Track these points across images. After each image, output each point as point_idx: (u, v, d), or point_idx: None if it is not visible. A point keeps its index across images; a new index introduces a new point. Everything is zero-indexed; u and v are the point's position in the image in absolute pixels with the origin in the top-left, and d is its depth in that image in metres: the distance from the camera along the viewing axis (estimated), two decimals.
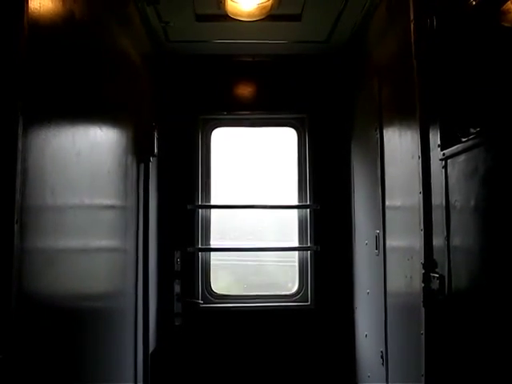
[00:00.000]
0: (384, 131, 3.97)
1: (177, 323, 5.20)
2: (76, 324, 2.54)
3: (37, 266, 1.99)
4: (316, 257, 5.41)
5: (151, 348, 4.51)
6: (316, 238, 5.43)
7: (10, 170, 1.74)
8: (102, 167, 3.04)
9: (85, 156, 2.61)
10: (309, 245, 5.45)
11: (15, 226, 1.73)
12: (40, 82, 2.00)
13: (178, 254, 5.25)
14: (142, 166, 4.25)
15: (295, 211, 5.60)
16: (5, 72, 1.74)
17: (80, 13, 2.49)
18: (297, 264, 5.53)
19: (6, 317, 1.69)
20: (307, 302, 5.41)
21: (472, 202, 2.39)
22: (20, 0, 1.79)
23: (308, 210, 5.49)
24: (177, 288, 5.21)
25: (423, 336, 2.91)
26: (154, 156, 4.43)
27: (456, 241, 2.58)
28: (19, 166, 1.76)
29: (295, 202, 5.57)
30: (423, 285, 2.89)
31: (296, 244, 5.55)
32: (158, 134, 4.50)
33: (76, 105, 2.50)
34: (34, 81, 1.92)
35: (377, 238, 4.14)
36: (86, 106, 2.67)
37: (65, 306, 2.37)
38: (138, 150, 4.07)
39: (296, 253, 5.57)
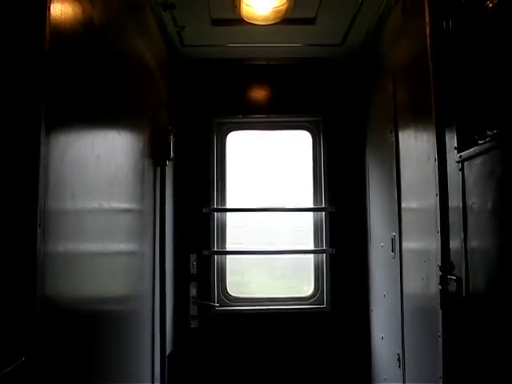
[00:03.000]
0: (399, 133, 3.97)
1: (193, 326, 5.23)
2: (96, 326, 2.57)
3: (58, 270, 2.02)
4: (331, 259, 5.42)
5: (168, 350, 4.54)
6: (331, 241, 5.43)
7: (33, 175, 1.76)
8: (120, 171, 3.07)
9: (103, 160, 2.64)
10: (324, 247, 5.45)
11: (38, 229, 1.76)
12: (61, 87, 2.04)
13: (193, 257, 5.28)
14: (159, 169, 4.29)
15: (310, 214, 5.61)
16: (28, 77, 1.77)
17: (99, 19, 2.52)
18: (312, 267, 5.54)
19: (30, 319, 1.72)
20: (323, 304, 5.41)
21: (489, 205, 2.38)
22: (42, 7, 1.82)
23: (323, 212, 5.50)
24: (193, 291, 5.24)
25: (441, 338, 2.90)
26: (170, 160, 4.46)
27: (473, 243, 2.58)
28: (42, 171, 1.79)
29: (310, 205, 5.58)
30: (440, 287, 2.89)
31: (311, 247, 5.56)
32: (173, 138, 4.53)
33: (95, 109, 2.53)
34: (55, 86, 1.95)
35: (393, 240, 4.14)
36: (104, 111, 2.70)
37: (85, 309, 2.40)
38: (155, 153, 4.11)
39: (312, 255, 5.57)
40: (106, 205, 2.73)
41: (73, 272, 2.22)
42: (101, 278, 2.66)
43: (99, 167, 2.57)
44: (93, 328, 2.52)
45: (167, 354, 4.47)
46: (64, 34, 2.04)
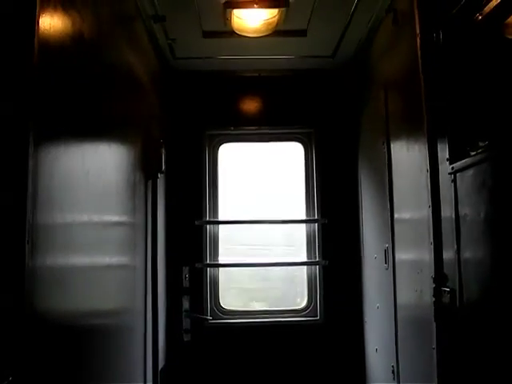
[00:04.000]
0: (391, 144, 3.98)
1: (186, 339, 5.18)
2: (86, 342, 2.53)
3: (47, 285, 1.99)
4: (324, 271, 5.39)
5: (161, 364, 4.49)
6: (324, 253, 5.41)
7: (21, 190, 1.74)
8: (111, 184, 3.05)
9: (94, 174, 2.62)
10: (317, 259, 5.43)
11: (26, 246, 1.74)
12: (50, 101, 2.01)
13: (186, 270, 5.24)
14: (150, 182, 4.26)
15: (303, 226, 5.59)
16: (16, 91, 1.75)
17: (89, 32, 2.51)
18: (305, 279, 5.51)
19: (17, 337, 1.69)
20: (316, 316, 5.39)
21: (482, 216, 2.38)
22: (30, 21, 1.80)
23: (316, 224, 5.48)
24: (185, 304, 5.20)
25: (435, 350, 2.89)
26: (161, 172, 4.44)
27: (466, 254, 2.57)
28: (30, 186, 1.77)
29: (303, 217, 5.57)
30: (434, 299, 2.88)
31: (304, 259, 5.54)
32: (165, 151, 4.51)
33: (85, 123, 2.51)
34: (44, 100, 1.93)
35: (386, 251, 4.13)
36: (94, 124, 2.68)
37: (75, 324, 2.37)
38: (146, 166, 4.09)
39: (304, 268, 5.55)
40: (96, 218, 2.70)
41: (62, 287, 2.19)
42: (91, 292, 2.62)
43: (89, 180, 2.55)
44: (83, 343, 2.49)
45: (160, 368, 4.42)
46: (53, 48, 2.03)
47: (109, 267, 3.05)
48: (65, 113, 2.21)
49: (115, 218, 3.19)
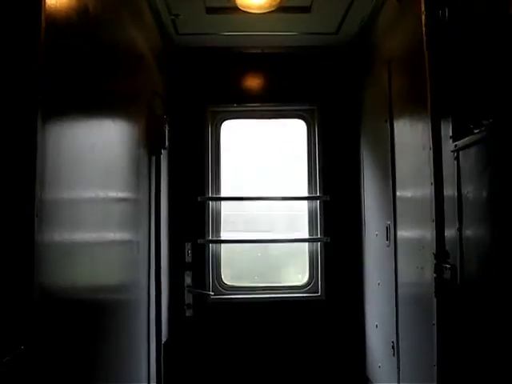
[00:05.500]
0: (394, 122, 3.98)
1: (188, 314, 5.23)
2: (92, 315, 2.58)
3: (55, 259, 2.02)
4: (326, 248, 5.43)
5: (163, 339, 4.55)
6: (326, 230, 5.45)
7: (30, 164, 1.76)
8: (116, 160, 3.07)
9: (99, 149, 2.64)
10: (319, 236, 5.47)
11: (35, 219, 1.76)
12: (57, 75, 2.02)
13: (188, 246, 5.28)
14: (154, 158, 4.27)
15: (305, 203, 5.62)
16: (24, 66, 1.76)
17: (94, 7, 2.50)
18: (307, 255, 5.55)
19: (28, 308, 1.72)
20: (317, 292, 5.43)
21: (484, 193, 2.40)
22: None
23: (318, 201, 5.51)
24: (188, 279, 5.24)
25: (435, 326, 2.93)
26: (164, 148, 4.45)
27: (468, 231, 2.59)
28: (38, 160, 1.78)
29: (305, 194, 5.59)
30: (435, 275, 2.91)
31: (306, 235, 5.57)
32: (168, 127, 4.52)
33: (90, 98, 2.52)
34: (51, 75, 1.94)
35: (387, 228, 4.16)
36: (99, 99, 2.69)
37: (82, 298, 2.41)
38: (150, 142, 4.10)
39: (306, 244, 5.59)
40: (101, 194, 2.73)
41: (69, 261, 2.22)
42: (97, 267, 2.66)
43: (95, 156, 2.57)
44: (90, 316, 2.53)
45: (162, 342, 4.48)
46: (59, 23, 2.03)
47: (113, 243, 3.08)
48: (70, 88, 2.22)
49: (120, 194, 3.21)
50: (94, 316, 2.59)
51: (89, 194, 2.52)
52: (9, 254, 1.70)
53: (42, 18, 1.82)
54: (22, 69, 1.76)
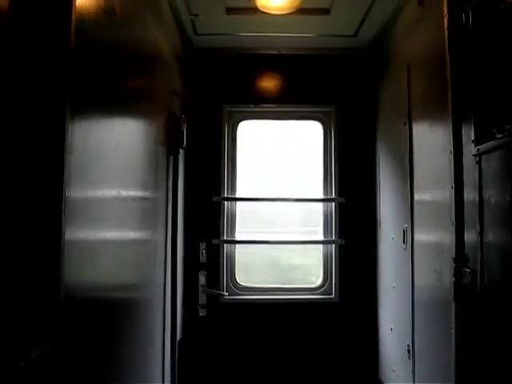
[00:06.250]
0: (413, 125, 3.98)
1: (201, 314, 5.24)
2: (114, 312, 2.60)
3: (80, 257, 2.04)
4: (340, 250, 5.43)
5: (178, 337, 4.56)
6: (341, 232, 5.45)
7: (58, 161, 1.77)
8: (136, 159, 3.09)
9: (122, 147, 2.66)
10: (333, 238, 5.47)
11: (63, 216, 1.77)
12: (84, 74, 2.04)
13: (203, 246, 5.29)
14: (172, 157, 4.29)
15: (320, 204, 5.61)
16: (55, 64, 1.78)
17: (120, 7, 2.52)
18: (321, 257, 5.55)
19: (54, 306, 1.74)
20: (331, 294, 5.43)
21: (507, 198, 2.39)
22: None
23: (333, 203, 5.50)
24: (202, 279, 5.25)
25: (453, 331, 2.92)
26: (183, 148, 4.47)
27: (489, 236, 2.58)
28: (67, 157, 1.80)
29: (320, 196, 5.59)
30: (454, 279, 2.90)
31: (321, 237, 5.57)
32: (186, 126, 4.53)
33: (114, 97, 2.54)
34: (79, 72, 1.96)
35: (404, 232, 4.15)
36: (123, 99, 2.71)
37: (104, 296, 2.43)
38: (168, 141, 4.12)
39: (321, 246, 5.59)
40: (123, 192, 2.74)
41: (93, 259, 2.23)
42: (118, 266, 2.68)
43: (118, 154, 2.59)
44: (111, 314, 2.55)
45: (177, 341, 4.49)
46: (88, 22, 2.05)
47: (133, 241, 3.10)
48: (97, 86, 2.24)
49: (140, 193, 3.23)
50: (113, 313, 2.61)
51: (112, 192, 2.54)
52: (37, 252, 1.71)
53: (73, 16, 1.83)
54: (54, 66, 1.77)
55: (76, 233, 1.99)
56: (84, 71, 2.04)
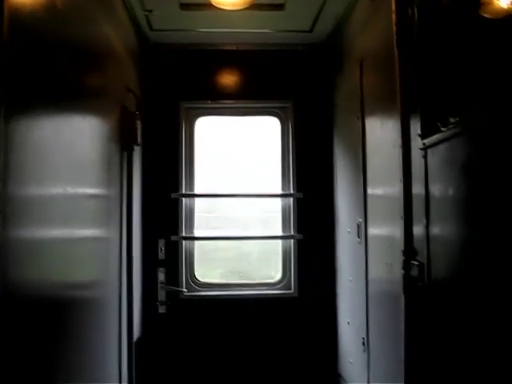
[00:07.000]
0: (366, 120, 4.01)
1: (161, 311, 5.22)
2: (61, 313, 2.55)
3: (21, 256, 1.99)
4: (299, 245, 5.45)
5: (135, 336, 4.53)
6: (299, 227, 5.47)
7: None
8: (85, 156, 3.04)
9: (68, 144, 2.61)
10: (292, 233, 5.48)
11: None
12: (21, 70, 1.99)
13: (161, 243, 5.26)
14: (126, 154, 4.25)
15: (279, 200, 5.63)
16: None
17: (61, 2, 2.47)
18: (280, 252, 5.57)
19: None
20: (290, 289, 5.45)
21: (451, 191, 2.43)
22: None
23: (291, 198, 5.52)
24: (161, 276, 5.23)
25: (403, 322, 2.96)
26: (137, 145, 4.42)
27: (435, 229, 2.63)
28: (1, 156, 1.76)
29: (279, 191, 5.60)
30: (403, 272, 2.94)
31: (279, 233, 5.58)
32: (141, 123, 4.49)
33: (59, 93, 2.50)
34: (15, 69, 1.91)
35: (359, 226, 4.19)
36: (68, 95, 2.66)
37: (49, 296, 2.38)
38: (122, 138, 4.06)
39: (279, 241, 5.60)
40: (70, 190, 2.70)
41: (37, 258, 2.19)
42: (66, 264, 2.63)
43: (63, 151, 2.54)
44: (58, 314, 2.50)
45: (134, 340, 4.46)
46: (24, 17, 2.00)
47: (83, 239, 3.05)
48: (37, 82, 2.19)
49: (90, 190, 3.19)
50: (61, 313, 2.56)
51: (57, 189, 2.48)
52: None
53: (5, 10, 1.79)
54: None
55: (16, 231, 1.95)
56: (21, 67, 1.99)
